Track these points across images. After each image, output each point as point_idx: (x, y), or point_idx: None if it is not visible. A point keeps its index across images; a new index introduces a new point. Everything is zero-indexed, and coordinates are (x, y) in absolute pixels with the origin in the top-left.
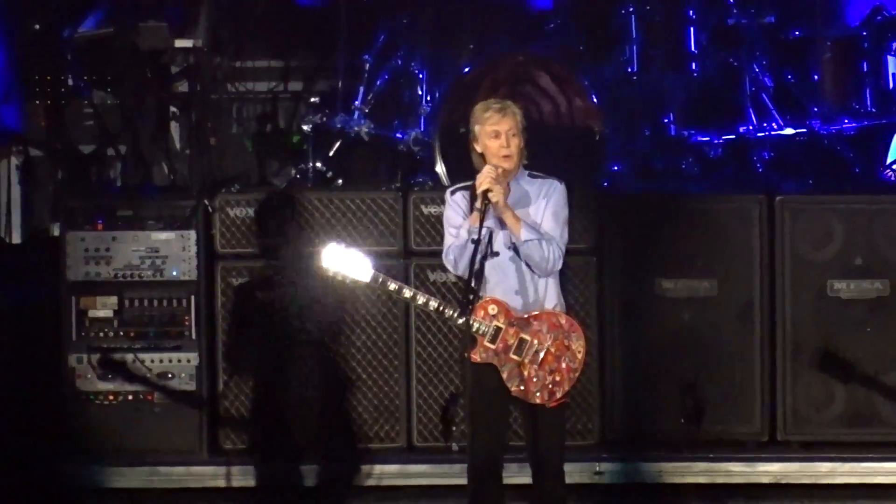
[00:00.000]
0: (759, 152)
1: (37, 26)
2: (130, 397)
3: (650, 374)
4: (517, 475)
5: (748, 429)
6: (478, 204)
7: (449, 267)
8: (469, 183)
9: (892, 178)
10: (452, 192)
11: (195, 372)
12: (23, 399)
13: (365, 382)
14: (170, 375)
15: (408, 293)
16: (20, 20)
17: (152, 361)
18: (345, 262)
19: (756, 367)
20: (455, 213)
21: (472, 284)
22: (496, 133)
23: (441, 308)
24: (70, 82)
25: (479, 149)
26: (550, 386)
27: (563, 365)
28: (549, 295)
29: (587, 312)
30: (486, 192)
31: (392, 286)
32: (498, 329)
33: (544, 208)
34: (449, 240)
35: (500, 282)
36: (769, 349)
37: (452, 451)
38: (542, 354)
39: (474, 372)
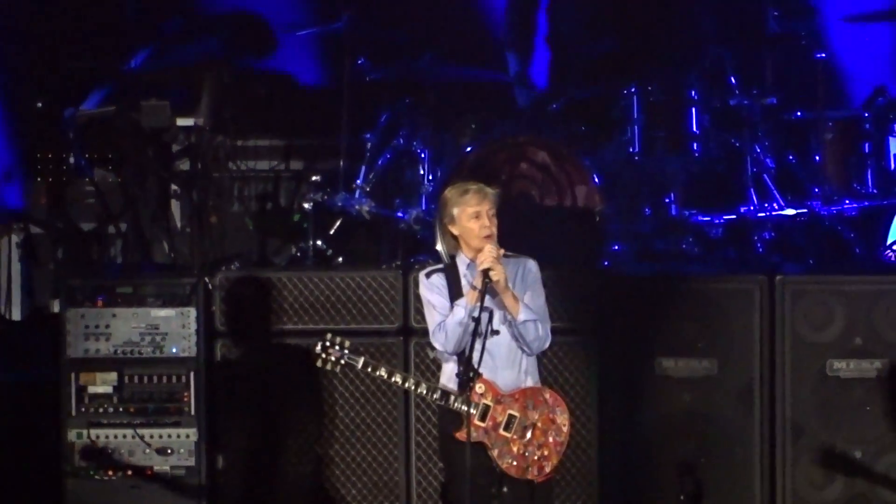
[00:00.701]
0: (760, 233)
1: (39, 104)
2: (130, 472)
3: (649, 454)
4: None
5: None
6: (476, 283)
7: (438, 346)
8: (440, 266)
9: (893, 259)
10: (428, 275)
11: (194, 448)
12: (23, 475)
13: (364, 459)
14: (169, 451)
15: (397, 378)
16: (23, 98)
17: (151, 437)
18: (337, 349)
19: (756, 447)
20: (439, 295)
21: (471, 363)
22: (477, 214)
23: (431, 391)
24: (72, 160)
25: (455, 231)
26: (540, 461)
27: (551, 439)
28: (531, 371)
29: (587, 392)
30: (486, 271)
31: (382, 372)
32: (487, 407)
33: (522, 287)
34: (437, 318)
35: (486, 360)
36: (769, 429)
37: None
38: (530, 430)
39: (464, 451)
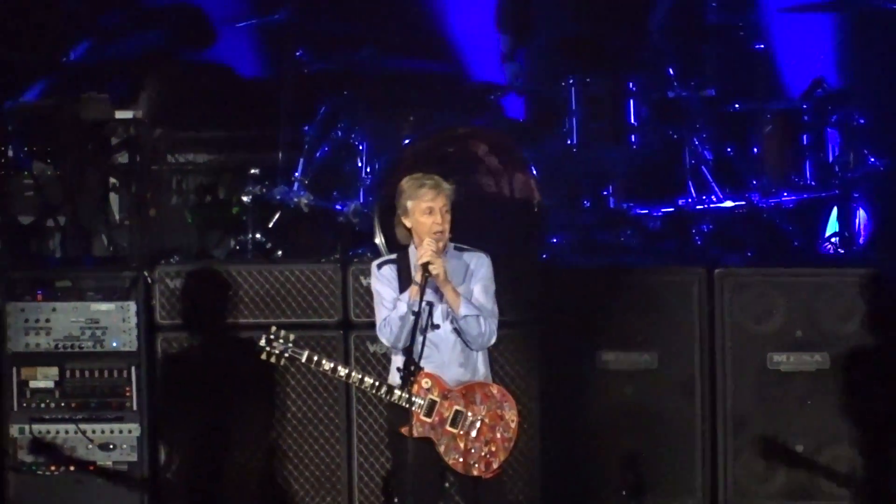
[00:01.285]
0: (698, 225)
1: None
2: (72, 467)
3: (591, 446)
4: None
5: (690, 501)
6: (417, 277)
7: (384, 340)
8: (393, 256)
9: (831, 251)
10: (379, 266)
11: (136, 443)
12: None
13: (307, 453)
14: (111, 446)
15: (342, 371)
16: None
17: (94, 432)
18: (281, 343)
19: (697, 440)
20: (386, 287)
21: (412, 357)
22: (430, 209)
23: (376, 385)
24: (10, 153)
25: (408, 224)
26: (487, 457)
27: (498, 435)
28: (480, 367)
29: (528, 385)
30: (426, 264)
31: (327, 365)
32: (433, 402)
33: (472, 282)
34: (384, 312)
35: (433, 355)
36: (710, 421)
37: None
38: (477, 425)
39: (410, 446)
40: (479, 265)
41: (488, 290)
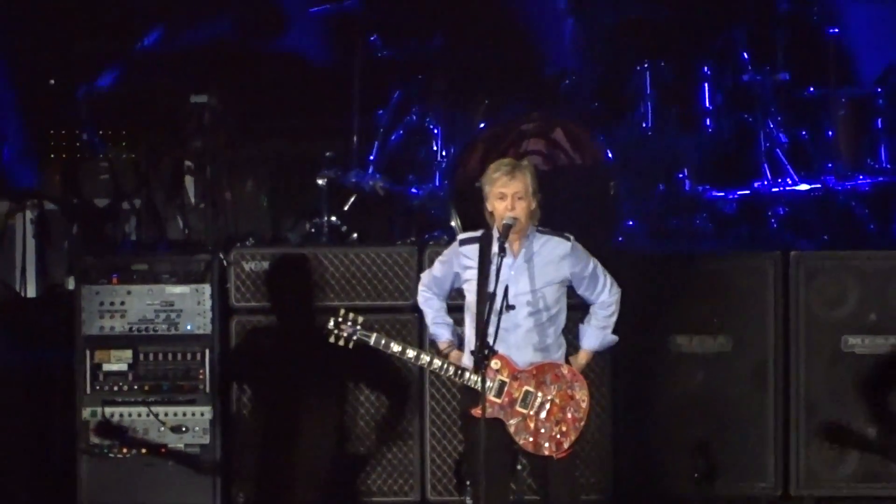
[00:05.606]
0: (773, 208)
1: (52, 82)
2: (144, 451)
3: (664, 431)
4: None
5: (762, 485)
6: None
7: (419, 296)
8: (478, 234)
9: None
10: (462, 243)
11: (209, 426)
12: (38, 453)
13: (379, 436)
14: (183, 429)
15: (411, 353)
16: (36, 77)
17: (166, 415)
18: (350, 325)
19: (770, 423)
20: (445, 265)
21: (486, 339)
22: (502, 195)
23: (445, 366)
24: (85, 138)
25: (489, 207)
26: (558, 437)
27: (569, 415)
28: (553, 347)
29: (601, 370)
30: (502, 247)
31: (395, 348)
32: (503, 383)
33: (555, 266)
34: (434, 274)
35: (505, 336)
36: (783, 405)
37: None
38: (547, 406)
39: (481, 427)
40: (575, 254)
41: (589, 265)
